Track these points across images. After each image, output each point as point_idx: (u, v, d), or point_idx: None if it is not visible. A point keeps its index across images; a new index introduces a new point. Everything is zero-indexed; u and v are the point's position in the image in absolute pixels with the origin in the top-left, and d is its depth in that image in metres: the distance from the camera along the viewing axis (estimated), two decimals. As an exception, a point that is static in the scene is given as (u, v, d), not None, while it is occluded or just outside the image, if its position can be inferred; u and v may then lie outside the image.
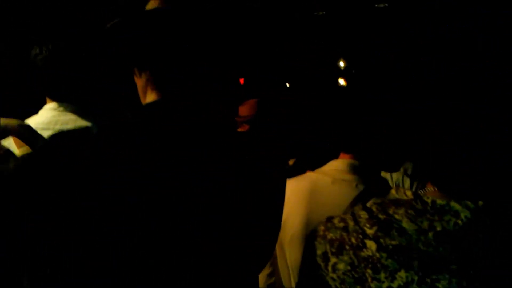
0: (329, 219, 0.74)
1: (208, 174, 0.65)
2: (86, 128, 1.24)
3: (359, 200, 1.01)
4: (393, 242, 0.64)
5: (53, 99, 1.29)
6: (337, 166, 1.10)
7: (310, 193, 1.07)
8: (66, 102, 1.28)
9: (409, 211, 0.66)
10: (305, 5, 4.90)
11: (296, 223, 1.06)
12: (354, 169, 1.08)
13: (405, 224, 0.65)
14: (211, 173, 0.65)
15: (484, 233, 0.60)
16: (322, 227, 0.74)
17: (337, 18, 5.23)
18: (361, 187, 1.04)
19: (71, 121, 1.26)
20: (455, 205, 0.63)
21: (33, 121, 1.27)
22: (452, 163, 0.62)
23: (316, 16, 5.20)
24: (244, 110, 3.06)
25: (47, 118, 1.26)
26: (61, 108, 1.27)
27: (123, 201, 0.58)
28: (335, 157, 1.12)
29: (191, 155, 0.65)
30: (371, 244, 0.65)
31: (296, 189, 1.09)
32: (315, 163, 1.16)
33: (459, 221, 0.62)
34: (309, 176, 1.12)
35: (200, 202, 0.64)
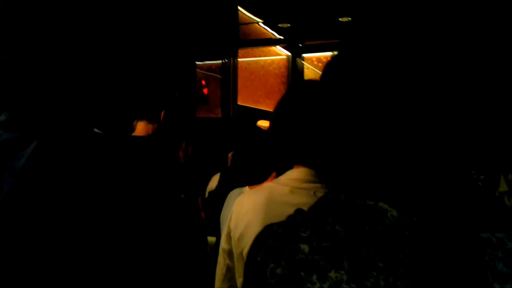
0: (270, 225, 0.75)
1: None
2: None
3: (316, 207, 1.02)
4: (325, 244, 0.65)
5: None
6: (295, 175, 1.10)
7: (267, 203, 1.07)
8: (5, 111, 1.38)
9: (341, 213, 0.67)
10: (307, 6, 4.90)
11: (253, 234, 1.06)
12: (313, 177, 1.08)
13: (338, 226, 0.66)
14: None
15: (411, 231, 0.61)
16: (263, 233, 0.75)
17: (336, 18, 5.21)
18: (319, 194, 1.04)
19: None
20: (383, 205, 0.64)
21: None
22: (450, 162, 0.61)
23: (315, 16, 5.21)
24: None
25: None
26: None
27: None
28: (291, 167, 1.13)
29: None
30: (304, 247, 0.66)
31: (253, 201, 1.09)
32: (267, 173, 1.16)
33: (386, 220, 0.63)
34: (267, 187, 1.12)
35: None
